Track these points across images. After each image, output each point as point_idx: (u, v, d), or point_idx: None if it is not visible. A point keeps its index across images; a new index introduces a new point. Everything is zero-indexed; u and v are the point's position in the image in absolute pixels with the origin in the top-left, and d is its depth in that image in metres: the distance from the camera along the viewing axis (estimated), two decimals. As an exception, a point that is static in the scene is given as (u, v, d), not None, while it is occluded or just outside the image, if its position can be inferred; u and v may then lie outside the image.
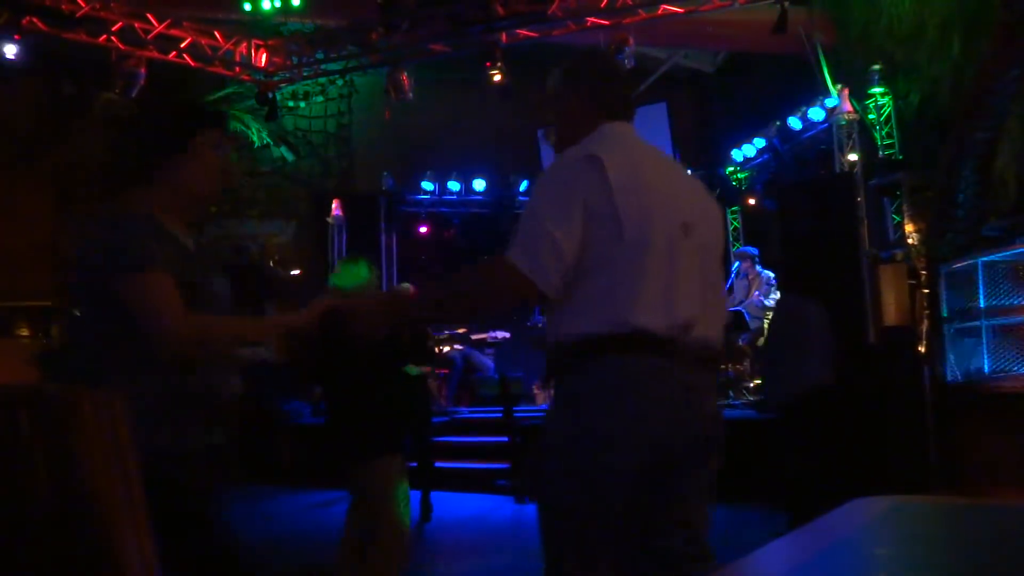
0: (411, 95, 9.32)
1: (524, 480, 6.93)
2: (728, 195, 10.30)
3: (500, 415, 7.78)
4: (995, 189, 6.61)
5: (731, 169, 10.58)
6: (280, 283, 10.42)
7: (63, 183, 10.51)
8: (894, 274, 7.39)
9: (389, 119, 10.10)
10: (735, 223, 10.94)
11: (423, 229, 11.39)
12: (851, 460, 5.58)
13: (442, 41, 9.20)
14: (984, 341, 5.79)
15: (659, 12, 8.54)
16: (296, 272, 10.93)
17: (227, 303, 2.13)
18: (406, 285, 6.56)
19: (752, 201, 10.18)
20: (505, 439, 7.48)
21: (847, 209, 7.77)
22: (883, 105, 8.30)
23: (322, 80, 11.42)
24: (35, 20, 8.27)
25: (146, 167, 2.03)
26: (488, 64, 8.85)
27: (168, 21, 8.95)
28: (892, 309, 7.30)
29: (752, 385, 8.23)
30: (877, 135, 8.30)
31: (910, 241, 7.67)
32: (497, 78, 8.85)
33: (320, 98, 11.83)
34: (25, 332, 9.34)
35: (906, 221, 7.81)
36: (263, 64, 9.74)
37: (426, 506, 6.27)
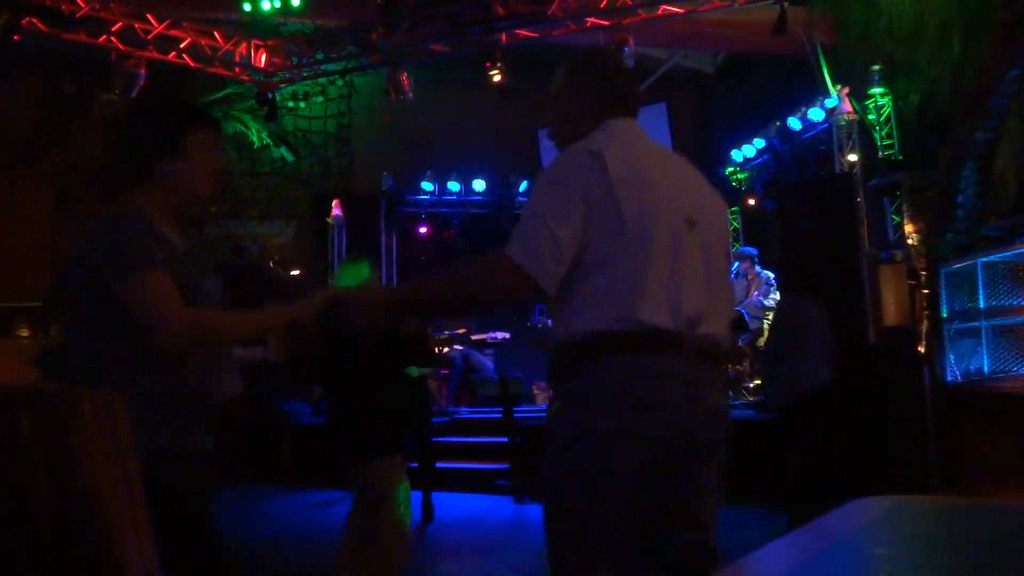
0: (411, 95, 9.32)
1: (524, 480, 6.93)
2: (728, 195, 10.26)
3: (500, 415, 7.78)
4: (995, 189, 6.61)
5: (731, 169, 10.58)
6: (280, 283, 10.42)
7: (63, 183, 10.52)
8: (894, 274, 7.38)
9: (389, 119, 10.11)
10: (735, 223, 10.93)
11: (423, 229, 11.40)
12: (851, 460, 5.58)
13: (442, 41, 9.20)
14: (984, 341, 5.79)
15: (659, 12, 8.54)
16: (296, 272, 10.93)
17: (219, 303, 2.13)
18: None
19: (752, 201, 10.18)
20: (505, 439, 7.48)
21: (847, 209, 7.77)
22: (883, 105, 8.31)
23: (322, 80, 11.42)
24: (35, 20, 8.27)
25: (139, 168, 2.03)
26: (488, 64, 8.84)
27: (168, 21, 8.95)
28: (892, 309, 7.30)
29: (752, 385, 8.24)
30: (877, 135, 8.30)
31: (910, 241, 7.67)
32: (497, 78, 8.84)
33: (320, 98, 11.84)
34: (25, 332, 9.33)
35: (906, 221, 7.81)
36: (263, 64, 9.74)
37: (428, 507, 6.26)
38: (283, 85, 10.42)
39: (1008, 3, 6.17)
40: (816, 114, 8.63)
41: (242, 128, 11.31)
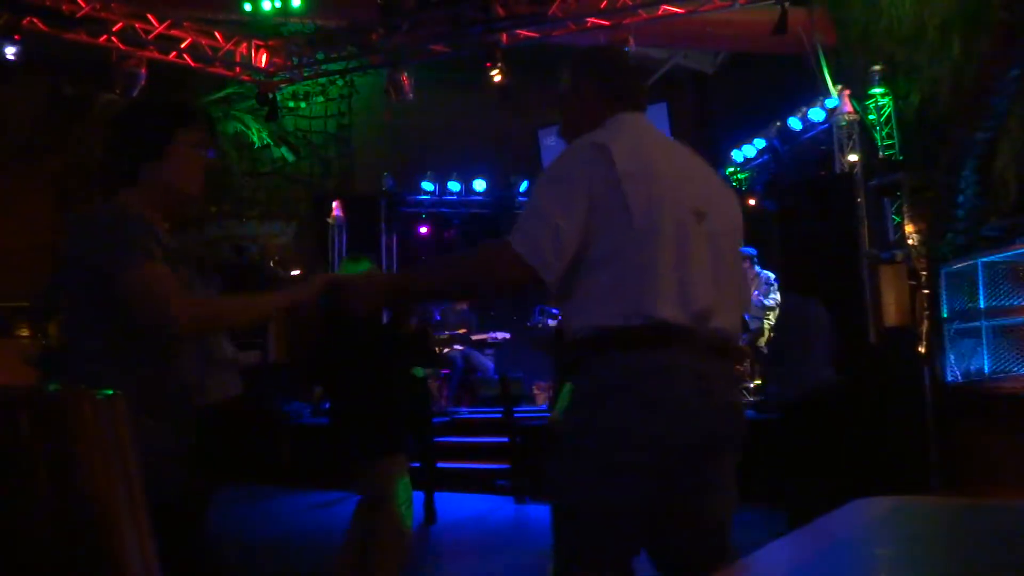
0: (411, 95, 9.32)
1: (525, 480, 6.93)
2: (728, 195, 10.28)
3: (500, 415, 7.78)
4: (995, 189, 6.61)
5: (731, 170, 10.57)
6: (280, 284, 10.42)
7: (63, 183, 10.51)
8: (894, 274, 7.38)
9: (389, 119, 10.10)
10: (735, 223, 10.91)
11: (423, 230, 11.39)
12: (851, 460, 5.58)
13: (442, 42, 9.20)
14: (984, 342, 5.80)
15: (659, 12, 8.54)
16: (296, 272, 10.93)
17: None
18: None
19: (752, 202, 10.17)
20: (505, 439, 7.47)
21: (847, 210, 7.77)
22: (883, 106, 8.30)
23: (322, 80, 11.42)
24: (35, 20, 8.27)
25: (130, 167, 2.04)
26: (488, 64, 8.84)
27: (168, 22, 8.95)
28: (892, 310, 7.30)
29: (752, 385, 8.23)
30: (877, 136, 8.30)
31: (910, 241, 7.67)
32: (497, 79, 8.84)
33: (320, 98, 11.84)
34: (25, 332, 9.33)
35: (906, 221, 7.80)
36: (263, 64, 9.74)
37: (430, 508, 6.25)
38: (283, 85, 10.42)
39: (1008, 3, 6.18)
40: (816, 114, 8.62)
41: (242, 128, 11.32)
